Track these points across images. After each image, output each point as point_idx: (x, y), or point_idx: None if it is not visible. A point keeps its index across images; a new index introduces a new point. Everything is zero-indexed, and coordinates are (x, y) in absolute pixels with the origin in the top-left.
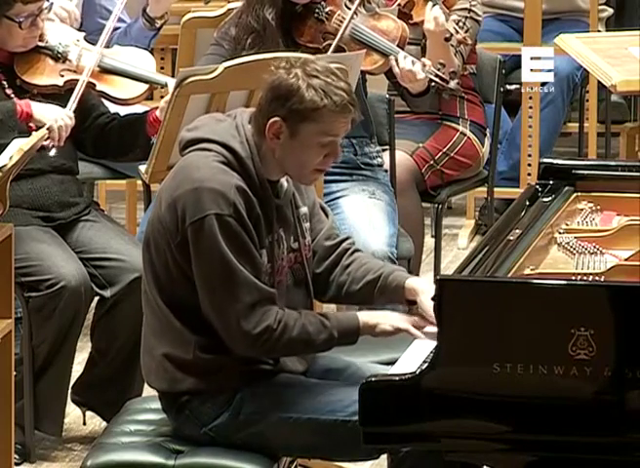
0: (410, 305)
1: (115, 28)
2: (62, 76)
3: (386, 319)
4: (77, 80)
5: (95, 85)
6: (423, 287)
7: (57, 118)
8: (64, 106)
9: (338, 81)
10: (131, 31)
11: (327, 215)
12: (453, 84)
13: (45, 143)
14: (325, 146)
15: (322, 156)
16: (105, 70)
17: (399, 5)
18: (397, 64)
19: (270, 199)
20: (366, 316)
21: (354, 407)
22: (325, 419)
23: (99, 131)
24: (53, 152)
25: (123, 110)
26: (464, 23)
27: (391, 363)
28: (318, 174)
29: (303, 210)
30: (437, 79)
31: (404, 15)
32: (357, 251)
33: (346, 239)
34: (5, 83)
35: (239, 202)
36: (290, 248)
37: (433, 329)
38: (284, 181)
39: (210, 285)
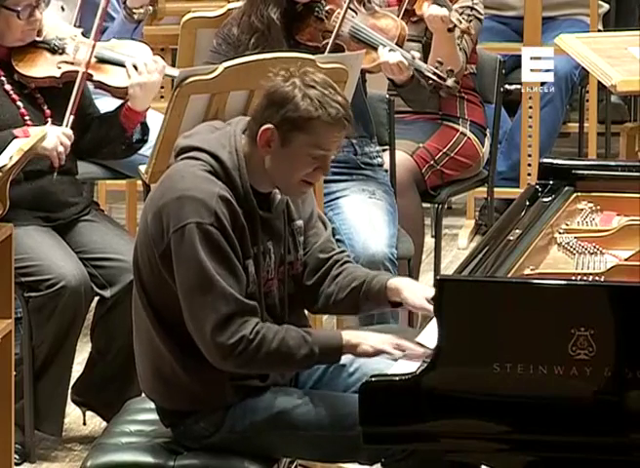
0: (394, 307)
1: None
2: (60, 68)
3: (368, 340)
4: (74, 71)
5: (92, 75)
6: (405, 284)
7: (56, 144)
8: (63, 104)
9: (335, 94)
10: (114, 25)
11: (325, 228)
12: (450, 82)
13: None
14: (315, 159)
15: (311, 168)
16: (102, 60)
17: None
18: (382, 57)
19: (255, 211)
20: (349, 335)
21: (347, 420)
22: (318, 435)
23: (83, 131)
24: (54, 177)
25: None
26: (468, 16)
27: (393, 360)
28: (306, 186)
29: (298, 223)
30: (434, 77)
31: (405, 11)
32: (347, 262)
33: (340, 252)
34: (4, 79)
35: (221, 211)
36: (281, 260)
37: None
38: (277, 194)
39: (188, 294)
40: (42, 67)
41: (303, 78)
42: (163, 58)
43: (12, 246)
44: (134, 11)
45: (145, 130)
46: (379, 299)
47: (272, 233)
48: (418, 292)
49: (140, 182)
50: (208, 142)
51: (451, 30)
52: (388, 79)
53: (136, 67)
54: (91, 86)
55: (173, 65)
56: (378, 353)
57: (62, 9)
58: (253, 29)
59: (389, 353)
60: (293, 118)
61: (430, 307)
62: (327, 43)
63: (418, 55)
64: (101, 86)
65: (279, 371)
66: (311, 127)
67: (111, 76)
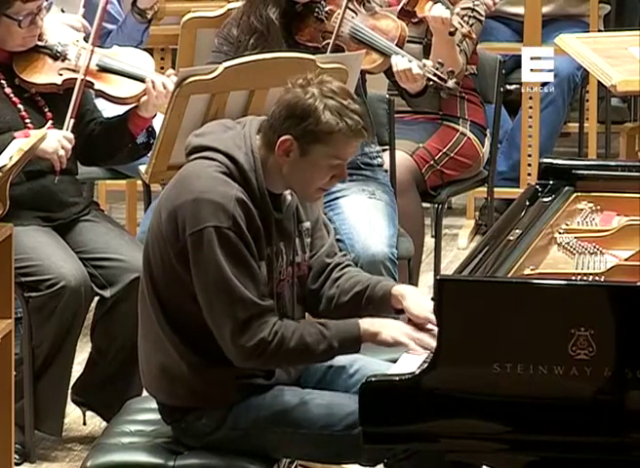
0: (398, 314)
1: (111, 31)
2: (61, 75)
3: (388, 329)
4: (76, 79)
5: (93, 84)
6: (408, 291)
7: (57, 148)
8: (64, 107)
9: (353, 104)
10: (123, 27)
11: (328, 233)
12: (451, 83)
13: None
14: (333, 168)
15: (328, 177)
16: (104, 69)
17: (403, 4)
18: (395, 65)
19: (270, 212)
20: (367, 323)
21: (348, 419)
22: (320, 433)
23: (88, 137)
24: (57, 180)
25: (115, 110)
26: (469, 19)
27: (393, 361)
28: (322, 192)
29: (306, 224)
30: (435, 78)
31: (407, 12)
32: (348, 265)
33: (342, 255)
34: (4, 83)
35: (239, 214)
36: (290, 261)
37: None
38: (287, 195)
39: (207, 298)
40: (43, 74)
41: (322, 88)
42: (163, 59)
43: (12, 246)
44: (146, 11)
45: (152, 133)
46: (381, 305)
47: (284, 234)
48: (421, 301)
49: (140, 182)
50: (223, 143)
51: (452, 34)
52: (402, 88)
53: (154, 86)
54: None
55: (173, 65)
56: (397, 344)
57: (62, 11)
58: (252, 30)
59: (410, 347)
60: (314, 131)
61: (433, 318)
62: (327, 43)
63: (429, 63)
64: (102, 95)
65: (300, 366)
66: (332, 139)
67: (112, 86)
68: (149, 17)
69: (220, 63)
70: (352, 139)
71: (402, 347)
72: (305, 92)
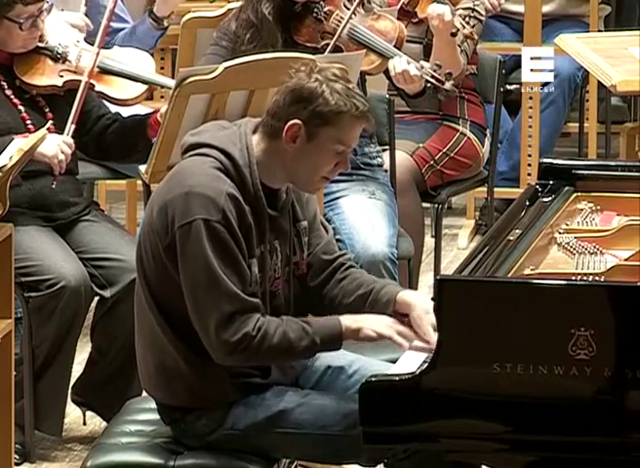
0: (401, 318)
1: (119, 29)
2: (62, 76)
3: (370, 324)
4: (76, 80)
5: (94, 85)
6: (416, 300)
7: (57, 153)
8: (65, 107)
9: (356, 88)
10: (136, 32)
11: (327, 232)
12: (448, 85)
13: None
14: (337, 155)
15: (333, 164)
16: (105, 71)
17: (403, 3)
18: (393, 68)
19: (263, 209)
20: (348, 320)
21: (348, 419)
22: (320, 434)
23: (100, 133)
24: (54, 184)
25: (126, 111)
26: (470, 19)
27: (392, 361)
28: (324, 182)
29: (304, 224)
30: (433, 80)
31: (407, 13)
32: (352, 266)
33: (343, 255)
34: (4, 84)
35: (229, 209)
36: (287, 260)
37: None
38: (283, 193)
39: (193, 290)
40: (44, 76)
41: (325, 73)
42: (163, 59)
43: (12, 246)
44: (163, 19)
45: None
46: (385, 310)
47: (279, 232)
48: (426, 317)
49: (140, 182)
50: (218, 139)
51: (454, 35)
52: (400, 89)
53: None
54: None
55: (173, 65)
56: (381, 338)
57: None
58: (248, 24)
59: (393, 339)
60: (323, 112)
61: (433, 339)
62: (326, 44)
63: (427, 64)
64: (103, 96)
65: (282, 363)
66: (339, 120)
67: (113, 88)
68: (166, 24)
69: (218, 57)
70: (359, 121)
71: (387, 341)
72: (309, 77)
